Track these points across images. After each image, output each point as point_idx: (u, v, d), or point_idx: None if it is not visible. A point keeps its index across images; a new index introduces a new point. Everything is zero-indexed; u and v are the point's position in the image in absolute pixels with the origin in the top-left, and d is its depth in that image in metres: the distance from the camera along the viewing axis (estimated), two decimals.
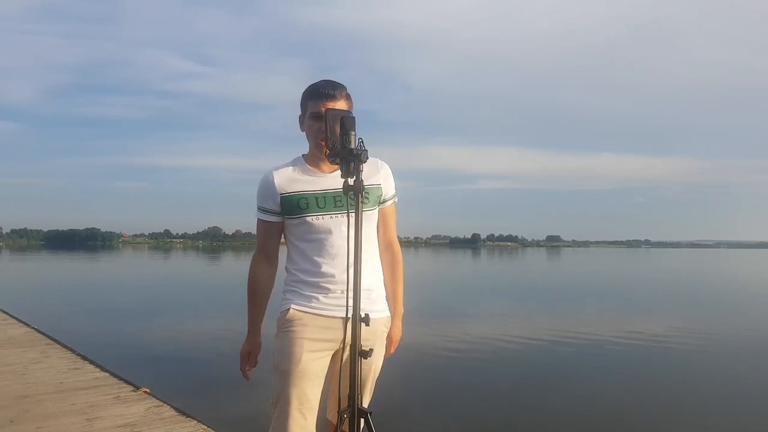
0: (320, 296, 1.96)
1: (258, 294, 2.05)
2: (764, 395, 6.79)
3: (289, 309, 1.96)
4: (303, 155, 2.06)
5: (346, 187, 1.67)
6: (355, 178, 1.66)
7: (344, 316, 1.93)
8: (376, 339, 2.03)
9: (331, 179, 1.99)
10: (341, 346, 1.96)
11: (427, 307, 14.95)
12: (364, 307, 1.92)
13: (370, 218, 2.03)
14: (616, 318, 13.46)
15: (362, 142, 1.68)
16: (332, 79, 2.00)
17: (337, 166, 1.95)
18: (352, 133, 1.68)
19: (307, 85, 2.01)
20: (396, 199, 2.16)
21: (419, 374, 7.48)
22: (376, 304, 2.03)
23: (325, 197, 1.98)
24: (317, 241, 1.97)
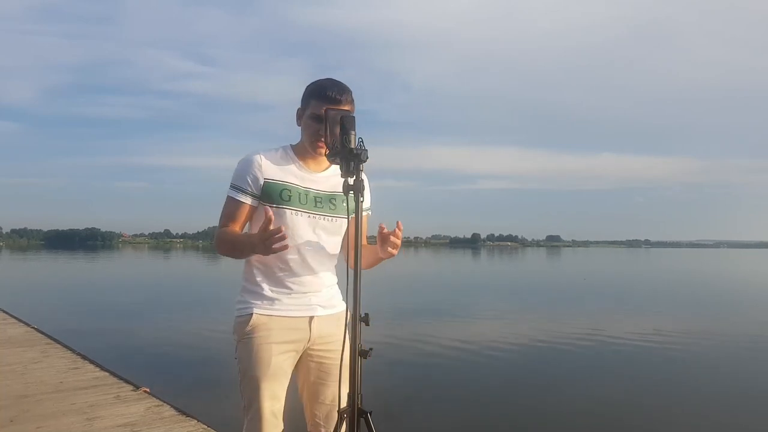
0: (283, 297, 1.93)
1: (230, 234, 1.89)
2: (764, 395, 6.79)
3: (251, 314, 1.91)
4: (291, 145, 2.01)
5: (346, 187, 1.67)
6: (354, 177, 1.66)
7: (309, 315, 1.95)
8: (342, 332, 2.01)
9: (318, 179, 1.97)
10: (307, 345, 1.97)
11: (426, 307, 14.95)
12: (322, 302, 1.98)
13: (340, 227, 2.00)
14: (615, 318, 13.44)
15: (362, 141, 1.68)
16: (338, 80, 1.94)
17: (326, 166, 1.97)
18: (352, 132, 1.68)
19: (311, 82, 1.96)
20: (370, 212, 2.11)
21: (419, 374, 7.48)
22: (332, 300, 2.03)
23: (307, 195, 1.95)
24: (290, 237, 1.89)
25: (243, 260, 1.98)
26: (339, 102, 1.87)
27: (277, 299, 1.93)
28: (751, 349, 9.73)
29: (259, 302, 1.92)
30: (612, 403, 6.24)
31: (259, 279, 1.95)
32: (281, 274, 1.93)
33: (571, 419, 5.67)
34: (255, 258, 1.95)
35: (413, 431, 5.26)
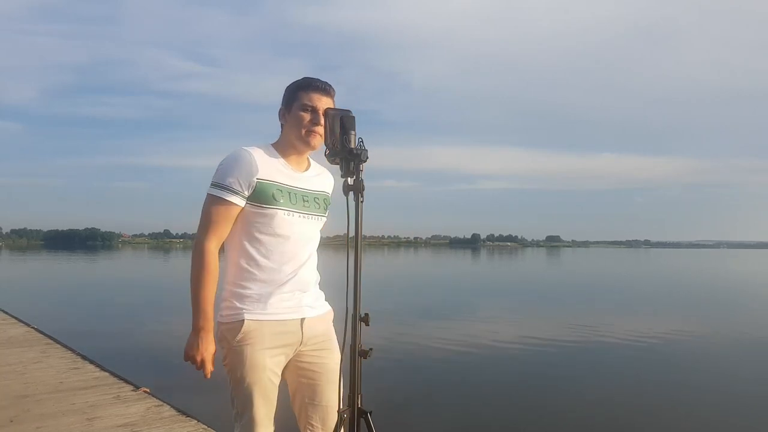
0: (273, 298, 1.87)
1: (213, 276, 1.81)
2: (764, 395, 6.79)
3: (242, 321, 1.83)
4: (272, 144, 1.97)
5: (346, 187, 1.67)
6: (355, 177, 1.67)
7: (299, 317, 1.92)
8: (331, 332, 2.04)
9: (303, 179, 1.97)
10: (299, 348, 1.94)
11: (426, 307, 14.95)
12: (310, 303, 1.97)
13: (323, 225, 2.04)
14: (615, 318, 13.44)
15: (362, 141, 1.68)
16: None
17: (307, 166, 2.00)
18: (352, 132, 1.69)
19: (290, 83, 1.97)
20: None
21: (419, 374, 7.48)
22: (319, 300, 2.03)
23: (296, 194, 1.93)
24: (281, 237, 1.88)
25: (227, 260, 1.91)
26: (327, 92, 1.92)
27: (267, 301, 1.86)
28: (751, 350, 9.73)
29: (249, 307, 1.85)
30: (613, 404, 6.24)
31: (247, 280, 1.87)
32: (273, 275, 1.88)
33: (572, 419, 5.67)
34: (246, 260, 1.87)
35: (413, 431, 5.27)
